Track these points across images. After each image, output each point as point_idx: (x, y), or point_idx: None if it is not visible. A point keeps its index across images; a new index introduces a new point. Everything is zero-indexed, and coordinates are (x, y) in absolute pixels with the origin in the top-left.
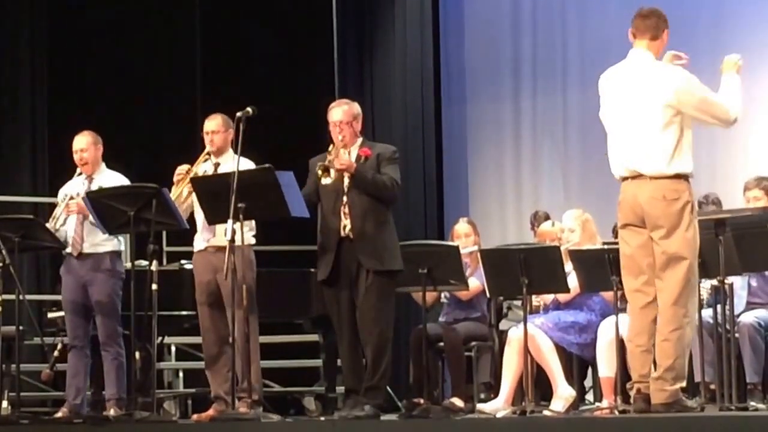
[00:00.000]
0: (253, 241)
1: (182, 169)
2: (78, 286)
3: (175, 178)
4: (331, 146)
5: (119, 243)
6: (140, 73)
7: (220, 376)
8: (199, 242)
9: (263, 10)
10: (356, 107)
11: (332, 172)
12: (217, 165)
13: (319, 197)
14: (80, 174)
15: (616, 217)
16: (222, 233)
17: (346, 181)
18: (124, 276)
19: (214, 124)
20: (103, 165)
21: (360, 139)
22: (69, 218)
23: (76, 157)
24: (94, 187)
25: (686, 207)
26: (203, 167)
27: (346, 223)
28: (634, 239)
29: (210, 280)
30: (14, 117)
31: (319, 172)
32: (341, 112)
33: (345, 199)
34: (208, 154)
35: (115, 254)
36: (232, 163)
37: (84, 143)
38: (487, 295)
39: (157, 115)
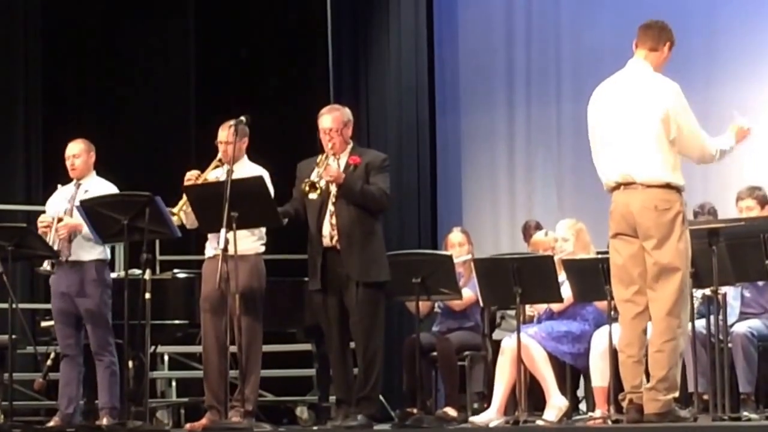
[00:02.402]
0: (261, 249)
1: (192, 174)
2: (65, 295)
3: (186, 184)
4: (319, 156)
5: (105, 251)
6: (134, 81)
7: (217, 385)
8: (210, 249)
9: (258, 18)
10: (347, 113)
11: (319, 187)
12: (230, 172)
13: (305, 209)
14: (70, 182)
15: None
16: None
17: (334, 190)
18: (111, 284)
19: (227, 135)
20: (93, 173)
21: (350, 146)
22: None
23: (68, 162)
24: (82, 192)
25: (678, 217)
26: (215, 173)
27: (333, 233)
28: (626, 249)
29: (215, 288)
30: (8, 125)
31: (306, 188)
32: (331, 120)
33: (332, 209)
34: (220, 161)
35: (101, 263)
36: (247, 170)
37: (77, 149)
38: (481, 304)
39: (151, 122)
